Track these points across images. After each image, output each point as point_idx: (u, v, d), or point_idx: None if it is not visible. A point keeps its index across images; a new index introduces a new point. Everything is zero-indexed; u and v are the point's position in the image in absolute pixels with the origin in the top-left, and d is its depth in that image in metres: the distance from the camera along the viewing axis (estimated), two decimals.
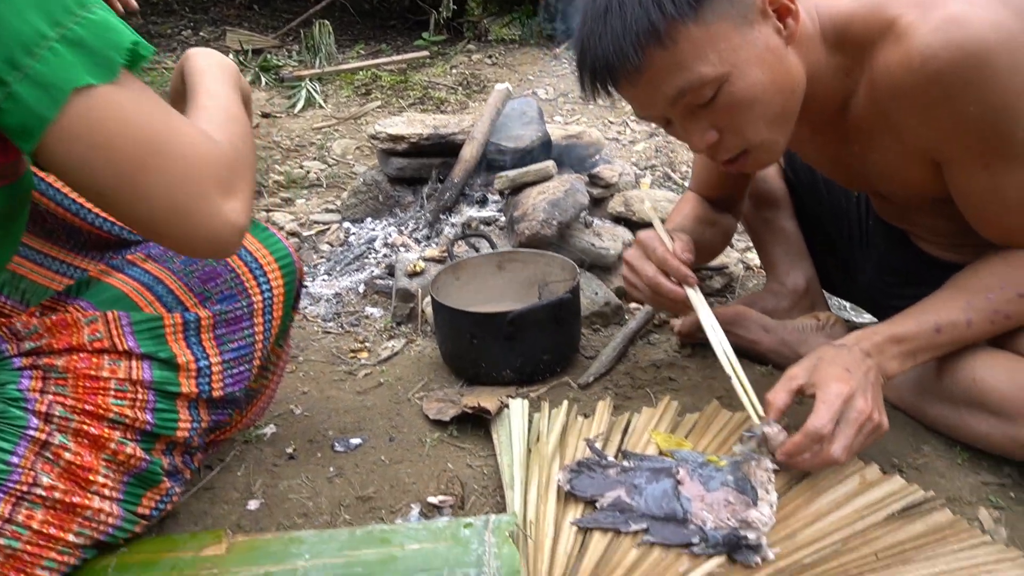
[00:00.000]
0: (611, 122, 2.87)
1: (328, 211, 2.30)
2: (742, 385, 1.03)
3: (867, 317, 1.56)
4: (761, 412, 1.01)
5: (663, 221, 1.24)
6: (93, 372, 0.83)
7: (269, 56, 3.54)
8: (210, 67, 0.85)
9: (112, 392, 0.84)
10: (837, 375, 0.92)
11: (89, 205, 0.96)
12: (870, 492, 0.94)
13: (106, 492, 0.83)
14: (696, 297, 1.09)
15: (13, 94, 0.61)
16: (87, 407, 0.82)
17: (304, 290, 1.84)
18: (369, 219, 2.14)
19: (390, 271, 1.82)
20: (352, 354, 1.51)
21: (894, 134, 0.97)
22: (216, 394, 0.90)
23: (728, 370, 1.04)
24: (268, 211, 2.32)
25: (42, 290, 0.95)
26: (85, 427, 0.82)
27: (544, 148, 2.00)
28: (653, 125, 2.84)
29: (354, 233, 2.10)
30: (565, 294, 1.27)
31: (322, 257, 2.02)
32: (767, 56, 0.89)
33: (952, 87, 0.86)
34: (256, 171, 0.81)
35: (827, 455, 0.90)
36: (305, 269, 1.97)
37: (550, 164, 1.79)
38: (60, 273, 0.98)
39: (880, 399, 0.94)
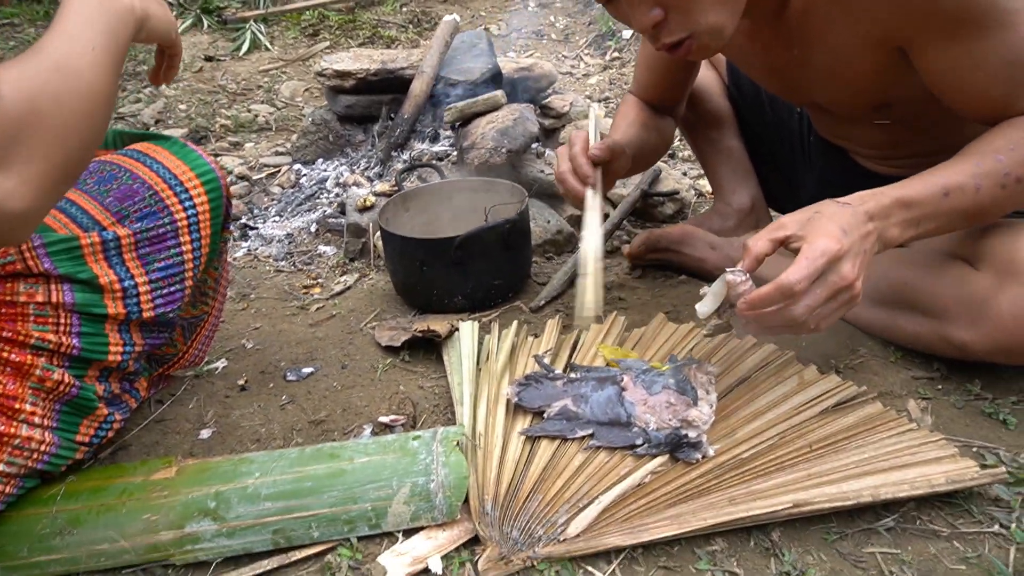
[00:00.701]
0: (565, 56, 2.84)
1: (278, 154, 2.25)
2: (593, 283, 0.97)
3: None
4: (590, 313, 0.96)
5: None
6: (9, 297, 0.80)
7: None
8: (85, 2, 0.70)
9: (32, 317, 0.81)
10: (830, 232, 0.82)
11: None
12: (807, 390, 0.97)
13: (36, 420, 0.82)
14: (592, 199, 1.06)
15: None
16: (5, 334, 0.80)
17: (255, 231, 1.81)
18: (320, 160, 2.10)
19: (342, 209, 1.80)
20: (305, 290, 1.50)
21: (848, 22, 0.94)
22: (147, 315, 0.88)
23: (587, 268, 0.99)
24: (216, 155, 2.26)
25: None
26: (5, 354, 0.80)
27: (495, 81, 1.97)
28: (608, 56, 2.82)
29: (305, 174, 2.06)
30: (513, 216, 1.27)
31: (273, 199, 1.98)
32: None
33: None
34: (83, 142, 0.65)
35: (790, 313, 0.82)
36: (256, 211, 1.95)
37: (499, 94, 1.77)
38: None
39: (866, 270, 0.85)
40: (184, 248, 0.92)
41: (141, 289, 0.87)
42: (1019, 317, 0.89)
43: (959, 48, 0.89)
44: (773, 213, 1.52)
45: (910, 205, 0.88)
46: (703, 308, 0.92)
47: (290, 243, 1.76)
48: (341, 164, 2.05)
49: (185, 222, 0.92)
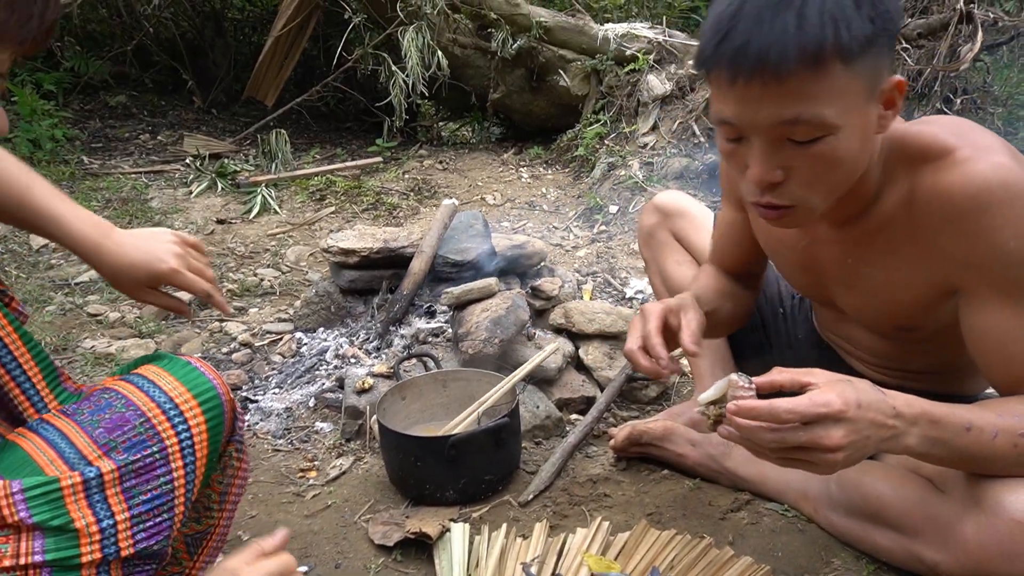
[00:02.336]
0: (555, 227, 3.03)
1: (281, 320, 2.36)
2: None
3: None
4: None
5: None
6: None
7: (226, 161, 3.65)
8: None
9: None
10: (846, 396, 0.84)
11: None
12: None
13: None
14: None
15: None
16: None
17: (255, 404, 1.88)
18: (321, 329, 2.20)
19: (340, 384, 1.87)
20: (301, 474, 1.55)
21: (919, 254, 0.99)
22: (126, 552, 0.84)
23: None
24: (221, 321, 2.37)
25: None
26: None
27: (489, 259, 2.11)
28: (595, 229, 3.01)
29: (306, 344, 2.16)
30: (502, 418, 1.35)
31: (274, 368, 2.06)
32: (867, 132, 0.92)
33: (998, 218, 0.91)
34: None
35: (762, 436, 0.85)
36: (256, 381, 2.02)
37: (493, 282, 1.90)
38: None
39: (861, 458, 0.87)
40: (176, 475, 0.88)
41: (120, 527, 0.84)
42: (985, 546, 0.93)
43: (1011, 312, 0.93)
44: None
45: (936, 424, 0.90)
46: (703, 396, 0.94)
47: (288, 418, 1.82)
48: (341, 335, 2.15)
49: (177, 447, 0.89)
